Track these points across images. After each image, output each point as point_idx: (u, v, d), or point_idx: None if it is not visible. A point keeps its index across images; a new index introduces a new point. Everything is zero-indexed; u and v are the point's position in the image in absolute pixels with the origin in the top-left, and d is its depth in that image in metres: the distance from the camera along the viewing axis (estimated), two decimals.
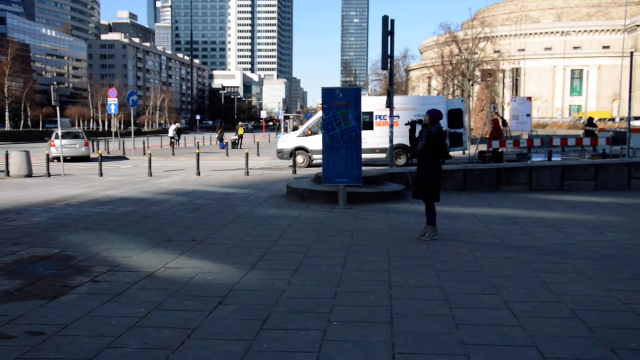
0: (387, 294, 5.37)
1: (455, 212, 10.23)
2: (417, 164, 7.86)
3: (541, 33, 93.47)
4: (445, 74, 48.08)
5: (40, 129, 58.46)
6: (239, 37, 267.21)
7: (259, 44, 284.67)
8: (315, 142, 21.12)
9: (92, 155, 27.72)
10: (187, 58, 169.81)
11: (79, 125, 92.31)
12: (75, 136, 27.63)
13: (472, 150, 25.58)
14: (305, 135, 22.76)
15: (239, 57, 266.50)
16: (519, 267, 6.34)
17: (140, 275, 6.04)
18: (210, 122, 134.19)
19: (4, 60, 69.31)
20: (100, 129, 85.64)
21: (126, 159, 29.57)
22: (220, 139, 35.70)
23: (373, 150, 21.70)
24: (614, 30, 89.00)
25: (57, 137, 24.39)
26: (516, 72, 76.27)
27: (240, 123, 55.16)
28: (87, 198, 12.42)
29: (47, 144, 27.66)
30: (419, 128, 7.97)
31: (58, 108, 19.31)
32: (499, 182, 13.48)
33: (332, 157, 10.60)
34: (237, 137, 38.93)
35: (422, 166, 7.73)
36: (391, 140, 16.89)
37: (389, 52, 16.70)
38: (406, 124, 8.09)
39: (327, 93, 10.63)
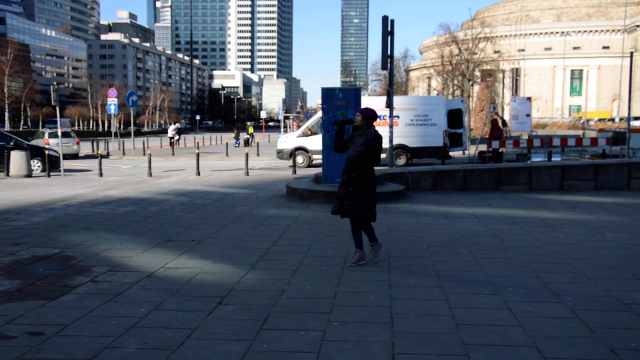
0: (387, 293, 5.37)
1: (455, 212, 10.24)
2: (345, 173, 6.38)
3: (541, 33, 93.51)
4: (444, 74, 48.13)
5: (40, 129, 58.62)
6: (239, 37, 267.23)
7: (258, 44, 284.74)
8: (315, 142, 21.11)
9: (80, 154, 31.30)
10: (186, 58, 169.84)
11: (79, 125, 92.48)
12: (67, 135, 30.42)
13: (472, 150, 25.59)
14: (304, 135, 22.76)
15: (239, 57, 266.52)
16: (518, 267, 6.34)
17: (140, 275, 6.03)
18: (210, 122, 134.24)
19: (4, 60, 69.35)
20: (100, 129, 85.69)
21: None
22: (236, 138, 41.49)
23: None
24: (613, 30, 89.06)
25: (50, 136, 28.38)
26: (516, 72, 76.36)
27: (248, 123, 61.34)
28: (86, 198, 12.42)
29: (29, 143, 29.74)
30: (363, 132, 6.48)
31: (57, 108, 19.30)
32: (499, 182, 13.49)
33: (331, 157, 10.62)
34: (248, 136, 43.17)
35: (353, 176, 6.28)
36: (391, 140, 16.88)
37: (389, 52, 16.69)
38: (333, 124, 7.29)
39: (327, 93, 10.65)
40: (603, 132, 28.31)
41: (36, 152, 20.25)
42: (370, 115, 6.36)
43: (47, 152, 19.57)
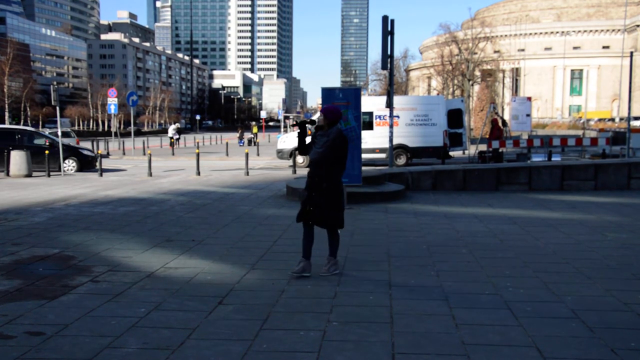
0: (387, 293, 5.37)
1: (455, 212, 10.24)
2: (308, 176, 6.02)
3: (541, 33, 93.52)
4: (444, 73, 48.17)
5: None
6: (239, 37, 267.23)
7: (258, 43, 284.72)
8: None
9: None
10: (186, 58, 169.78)
11: (79, 125, 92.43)
12: (67, 135, 31.23)
13: (472, 150, 25.59)
14: None
15: (239, 57, 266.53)
16: (518, 267, 6.34)
17: (140, 275, 6.03)
18: (210, 122, 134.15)
19: (4, 59, 69.35)
20: (100, 129, 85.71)
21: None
22: (240, 137, 42.97)
23: (373, 150, 21.71)
24: (613, 30, 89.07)
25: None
26: (516, 72, 76.36)
27: (253, 122, 64.30)
28: (86, 198, 12.42)
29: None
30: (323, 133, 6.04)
31: (57, 108, 19.29)
32: (499, 181, 13.49)
33: None
34: (252, 135, 44.78)
35: (317, 181, 5.87)
36: (391, 140, 16.87)
37: (389, 52, 16.68)
38: (292, 125, 6.91)
39: (327, 93, 10.64)
40: (603, 132, 28.32)
41: (71, 152, 20.28)
42: (332, 113, 5.89)
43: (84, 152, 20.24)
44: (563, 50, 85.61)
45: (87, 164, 20.26)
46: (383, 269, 6.26)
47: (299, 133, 6.04)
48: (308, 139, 6.09)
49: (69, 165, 19.84)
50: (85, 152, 20.86)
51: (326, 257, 6.12)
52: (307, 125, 6.13)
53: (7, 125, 29.87)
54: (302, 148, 6.10)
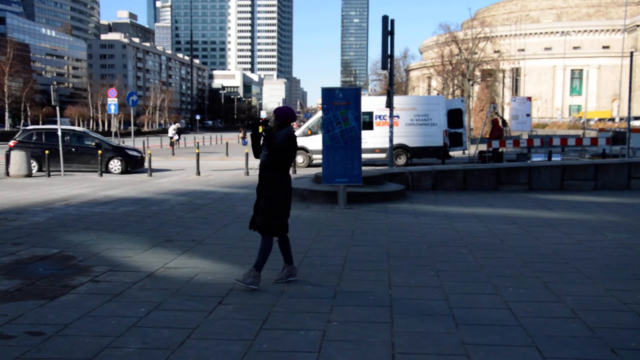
0: (387, 294, 5.37)
1: (455, 212, 10.24)
2: (258, 180, 5.68)
3: (541, 33, 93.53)
4: (445, 73, 48.20)
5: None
6: (239, 37, 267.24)
7: (258, 43, 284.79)
8: (315, 142, 21.10)
9: None
10: (186, 58, 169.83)
11: (79, 125, 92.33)
12: None
13: (472, 150, 25.59)
14: (304, 135, 22.73)
15: (239, 56, 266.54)
16: (518, 267, 6.34)
17: (140, 275, 6.04)
18: (210, 122, 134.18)
19: (4, 59, 69.33)
20: (100, 129, 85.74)
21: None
22: (243, 137, 43.52)
23: (373, 150, 21.72)
24: (613, 30, 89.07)
25: None
26: (516, 72, 76.39)
27: None
28: (86, 198, 12.42)
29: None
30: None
31: (57, 108, 19.27)
32: (499, 181, 13.49)
33: (331, 157, 10.60)
34: None
35: (263, 184, 5.55)
36: (391, 140, 16.89)
37: (389, 52, 16.70)
38: (246, 125, 6.30)
39: (327, 93, 10.63)
40: (603, 132, 28.35)
41: (117, 152, 19.93)
42: (284, 114, 5.59)
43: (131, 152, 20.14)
44: (563, 50, 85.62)
45: (133, 164, 19.88)
46: (383, 269, 6.26)
47: (251, 135, 5.67)
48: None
49: (115, 165, 19.50)
50: (131, 153, 20.36)
51: (284, 266, 5.81)
52: (260, 126, 5.71)
53: (55, 126, 29.96)
54: (256, 150, 5.68)
